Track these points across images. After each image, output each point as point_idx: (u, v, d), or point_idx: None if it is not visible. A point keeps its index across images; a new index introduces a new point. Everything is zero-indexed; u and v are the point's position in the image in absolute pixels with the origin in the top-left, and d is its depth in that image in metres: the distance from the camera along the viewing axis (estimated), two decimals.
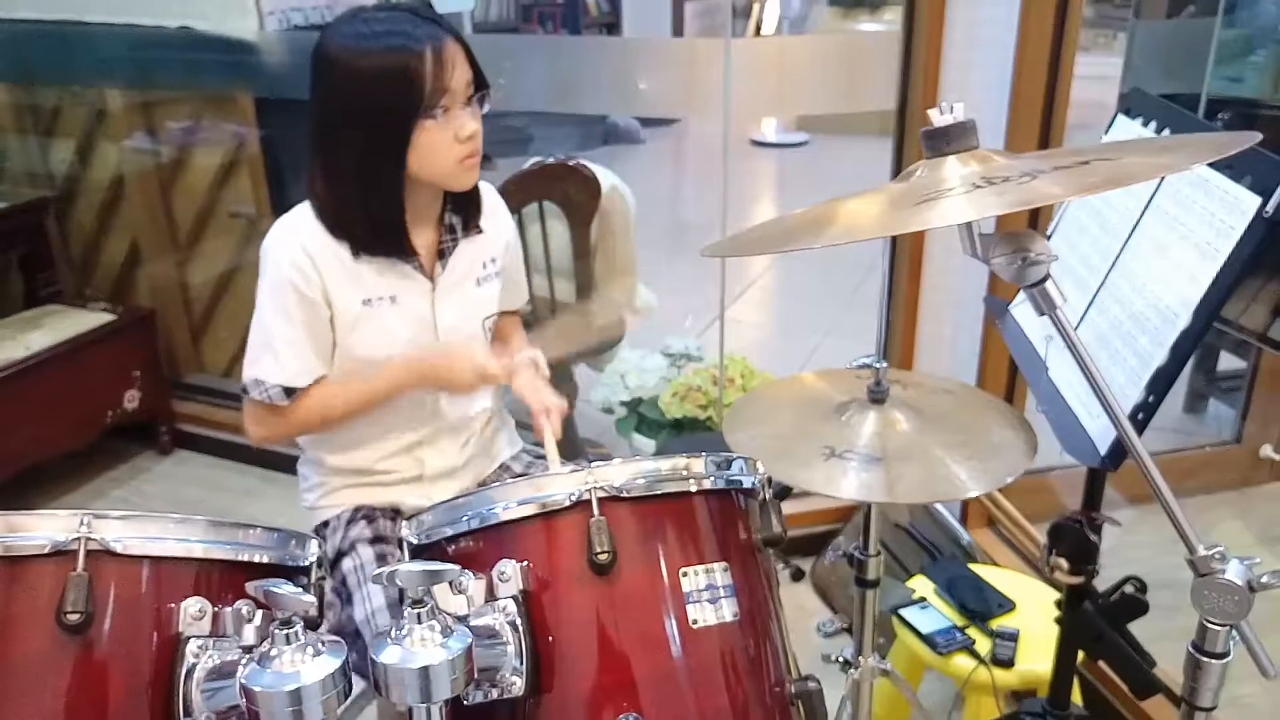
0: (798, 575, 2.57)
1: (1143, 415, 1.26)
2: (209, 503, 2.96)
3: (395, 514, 1.60)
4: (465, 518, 0.96)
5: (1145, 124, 1.49)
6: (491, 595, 0.90)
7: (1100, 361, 1.36)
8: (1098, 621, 1.47)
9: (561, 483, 0.93)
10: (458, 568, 0.80)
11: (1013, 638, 1.80)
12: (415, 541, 0.98)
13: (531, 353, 1.64)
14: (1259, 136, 0.89)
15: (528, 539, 0.93)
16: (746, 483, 1.02)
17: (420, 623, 0.76)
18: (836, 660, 1.59)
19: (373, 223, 1.42)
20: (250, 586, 0.77)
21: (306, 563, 0.96)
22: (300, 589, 0.75)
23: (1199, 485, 2.87)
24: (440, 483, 1.61)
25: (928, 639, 1.83)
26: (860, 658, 1.57)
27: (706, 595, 0.91)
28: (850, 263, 2.50)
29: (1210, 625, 0.96)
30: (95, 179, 3.29)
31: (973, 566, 2.04)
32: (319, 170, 1.42)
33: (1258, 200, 1.12)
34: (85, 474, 3.08)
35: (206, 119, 3.10)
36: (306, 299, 1.41)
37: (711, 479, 0.98)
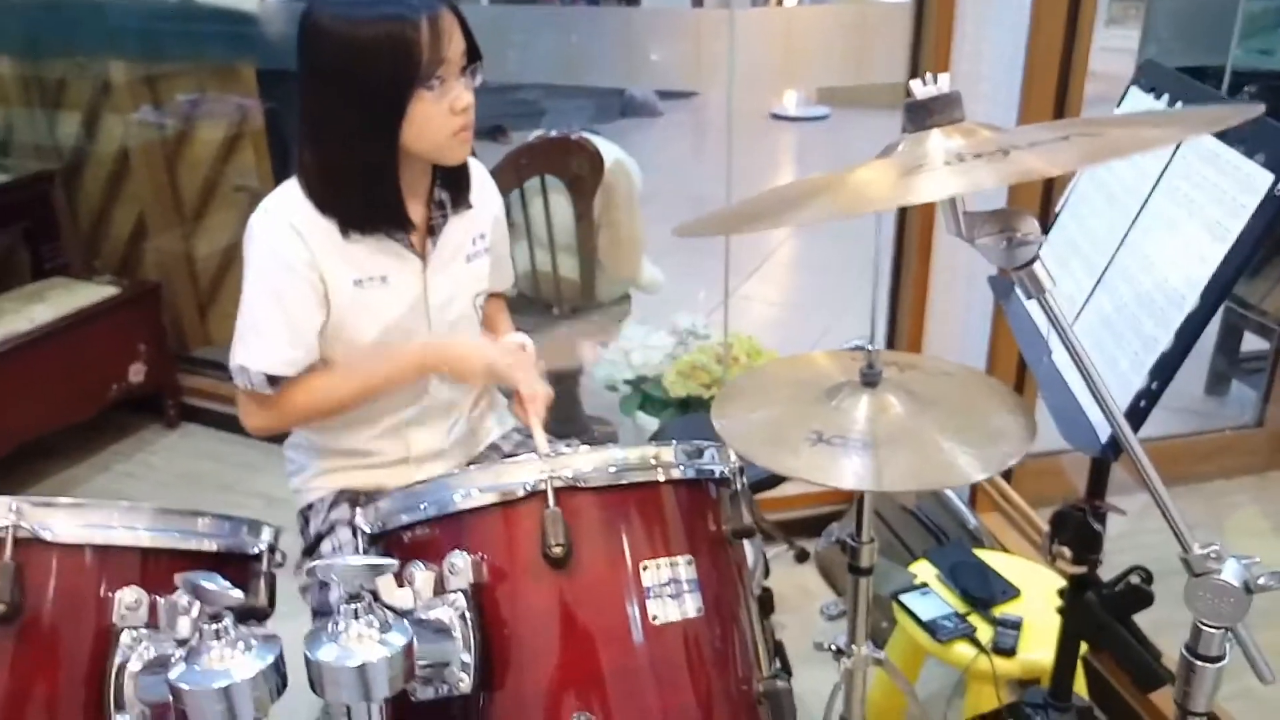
0: (802, 556, 2.53)
1: (1145, 403, 1.20)
2: (214, 476, 2.95)
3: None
4: (422, 505, 0.92)
5: (1158, 97, 1.43)
6: (441, 588, 0.86)
7: (1104, 344, 1.31)
8: (1100, 612, 1.42)
9: (521, 472, 0.89)
10: (396, 562, 0.76)
11: (1015, 626, 1.75)
12: (369, 530, 0.95)
13: (519, 337, 1.61)
14: (1262, 108, 0.83)
15: (485, 529, 0.90)
16: (718, 472, 0.98)
17: (357, 618, 0.73)
18: (829, 648, 1.55)
19: (367, 197, 1.38)
20: (179, 579, 0.74)
21: (257, 550, 0.93)
22: (228, 584, 0.72)
23: (1218, 469, 2.80)
24: (427, 465, 1.59)
25: (928, 626, 1.79)
26: (854, 646, 1.53)
27: (669, 590, 0.87)
28: (871, 235, 2.44)
29: (1204, 628, 0.91)
30: (101, 152, 3.27)
31: (978, 552, 1.99)
32: (309, 144, 1.38)
33: (1271, 177, 1.06)
34: (91, 447, 3.09)
35: (210, 92, 3.07)
36: (298, 277, 1.37)
37: (681, 468, 0.94)
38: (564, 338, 2.75)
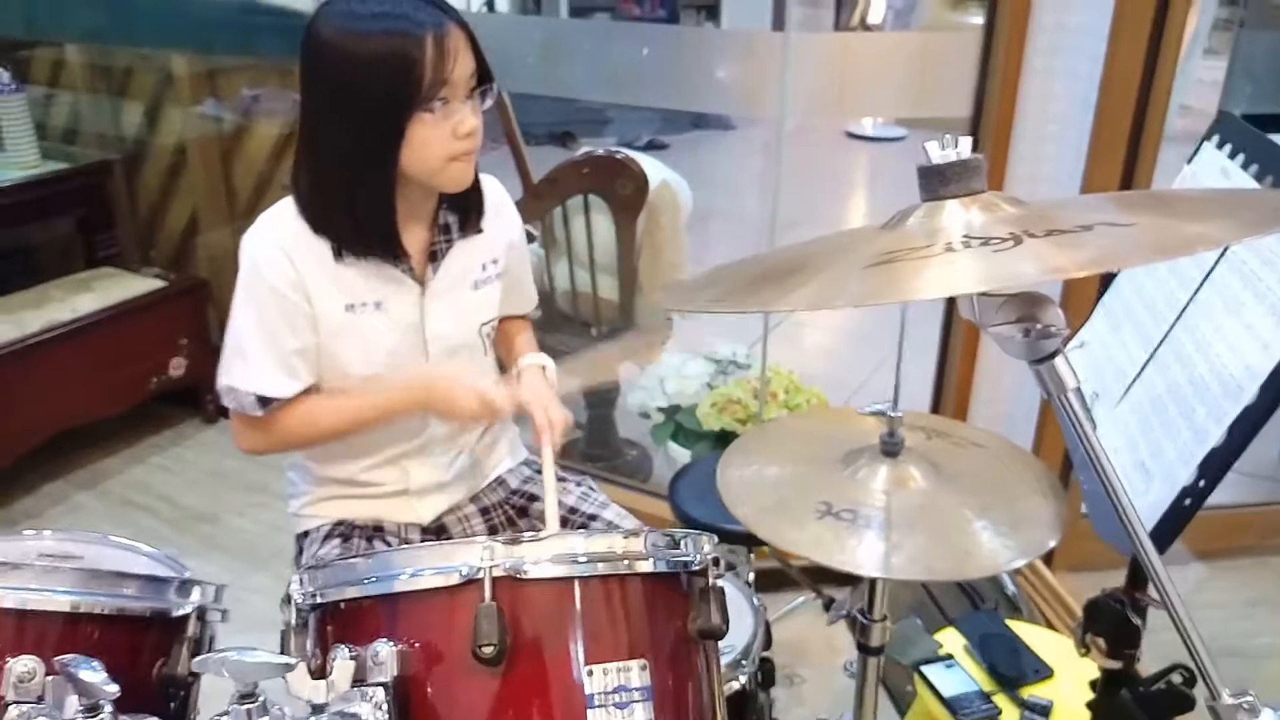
0: (831, 606, 2.41)
1: (1190, 501, 1.08)
2: (244, 475, 2.94)
3: (376, 531, 1.51)
4: (363, 580, 0.84)
5: (1233, 155, 1.30)
6: (361, 679, 0.78)
7: (1152, 428, 1.19)
8: (1134, 712, 1.30)
9: (463, 555, 0.81)
10: (292, 660, 0.69)
11: (1044, 712, 1.62)
12: (301, 601, 0.87)
13: (539, 359, 1.54)
14: None
15: (421, 615, 0.81)
16: (693, 562, 0.88)
17: None
18: None
19: (358, 222, 1.31)
20: (58, 662, 0.68)
21: (182, 613, 0.86)
22: (105, 675, 0.65)
23: None
24: (427, 498, 1.52)
25: (949, 703, 1.66)
26: None
27: (614, 699, 0.78)
28: None
29: None
30: (161, 144, 3.28)
31: (1012, 624, 1.86)
32: (303, 160, 1.32)
33: None
34: (128, 438, 3.10)
35: (266, 89, 3.06)
36: (283, 299, 1.32)
37: (651, 561, 0.85)
38: (599, 356, 2.67)
